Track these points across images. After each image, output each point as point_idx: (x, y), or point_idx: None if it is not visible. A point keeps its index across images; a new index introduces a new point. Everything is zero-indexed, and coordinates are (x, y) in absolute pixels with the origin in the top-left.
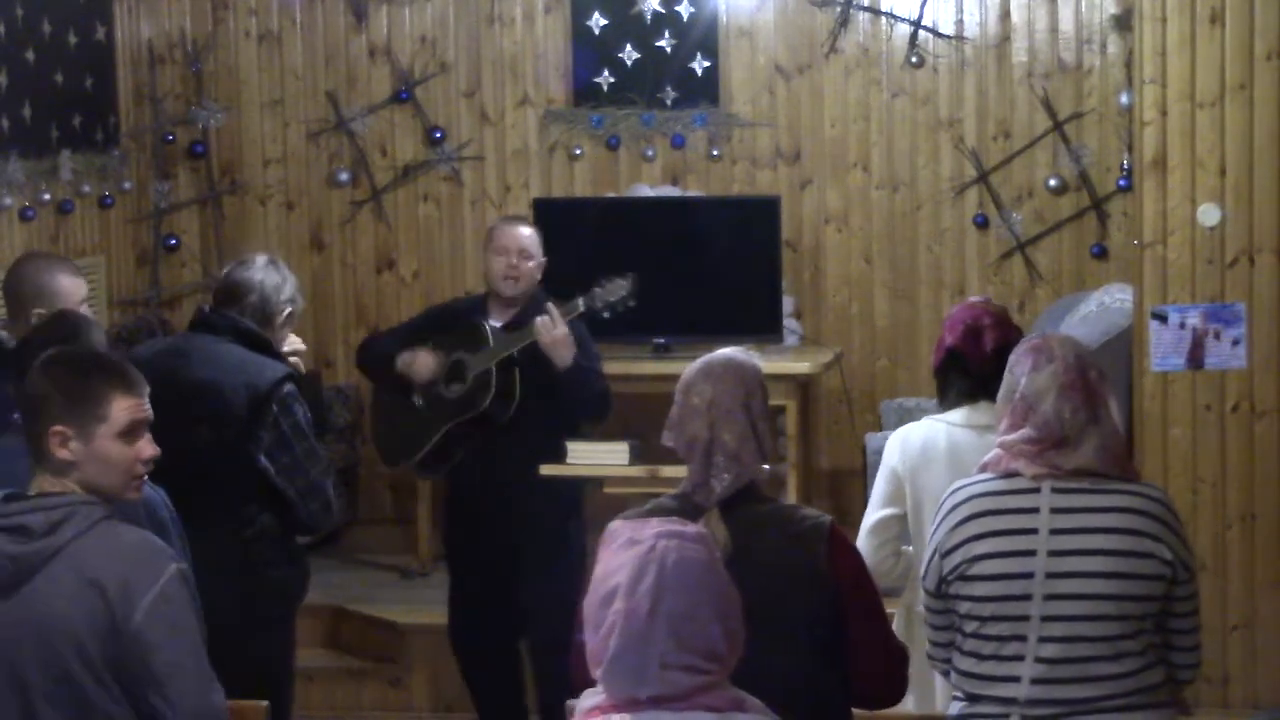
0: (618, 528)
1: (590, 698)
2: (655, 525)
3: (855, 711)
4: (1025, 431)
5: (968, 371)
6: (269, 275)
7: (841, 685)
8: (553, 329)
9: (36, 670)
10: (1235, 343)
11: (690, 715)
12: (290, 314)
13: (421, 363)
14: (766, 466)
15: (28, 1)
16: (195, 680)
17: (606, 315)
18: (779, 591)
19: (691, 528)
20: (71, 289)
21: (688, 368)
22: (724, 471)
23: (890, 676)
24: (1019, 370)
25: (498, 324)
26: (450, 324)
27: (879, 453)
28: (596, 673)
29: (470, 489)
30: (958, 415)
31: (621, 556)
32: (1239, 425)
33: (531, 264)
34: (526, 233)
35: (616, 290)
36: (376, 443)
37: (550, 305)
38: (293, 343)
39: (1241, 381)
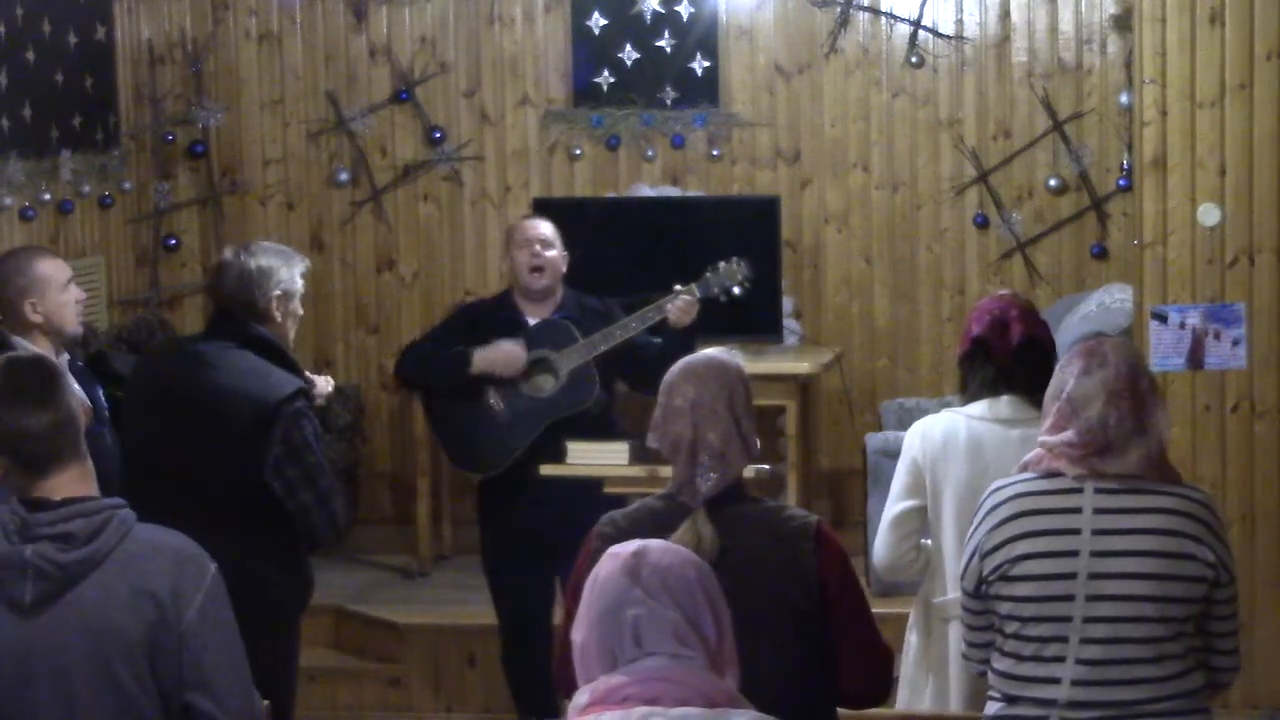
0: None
1: (583, 695)
2: (638, 542)
3: (840, 711)
4: (1068, 435)
5: (991, 362)
6: (228, 274)
7: (827, 685)
8: (694, 309)
9: (83, 676)
10: (1235, 343)
11: (680, 711)
12: (282, 295)
13: (509, 354)
14: (765, 466)
15: (28, 1)
16: (240, 678)
17: (723, 300)
18: (765, 591)
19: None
20: (54, 272)
21: (670, 369)
22: (710, 471)
23: (875, 676)
24: (1069, 371)
25: (534, 320)
26: (485, 323)
27: (879, 453)
28: (583, 670)
29: (542, 484)
30: (978, 408)
31: (605, 563)
32: (1239, 425)
33: (554, 253)
34: (544, 224)
35: (732, 275)
36: (454, 456)
37: (680, 287)
38: (321, 384)
39: (1241, 381)
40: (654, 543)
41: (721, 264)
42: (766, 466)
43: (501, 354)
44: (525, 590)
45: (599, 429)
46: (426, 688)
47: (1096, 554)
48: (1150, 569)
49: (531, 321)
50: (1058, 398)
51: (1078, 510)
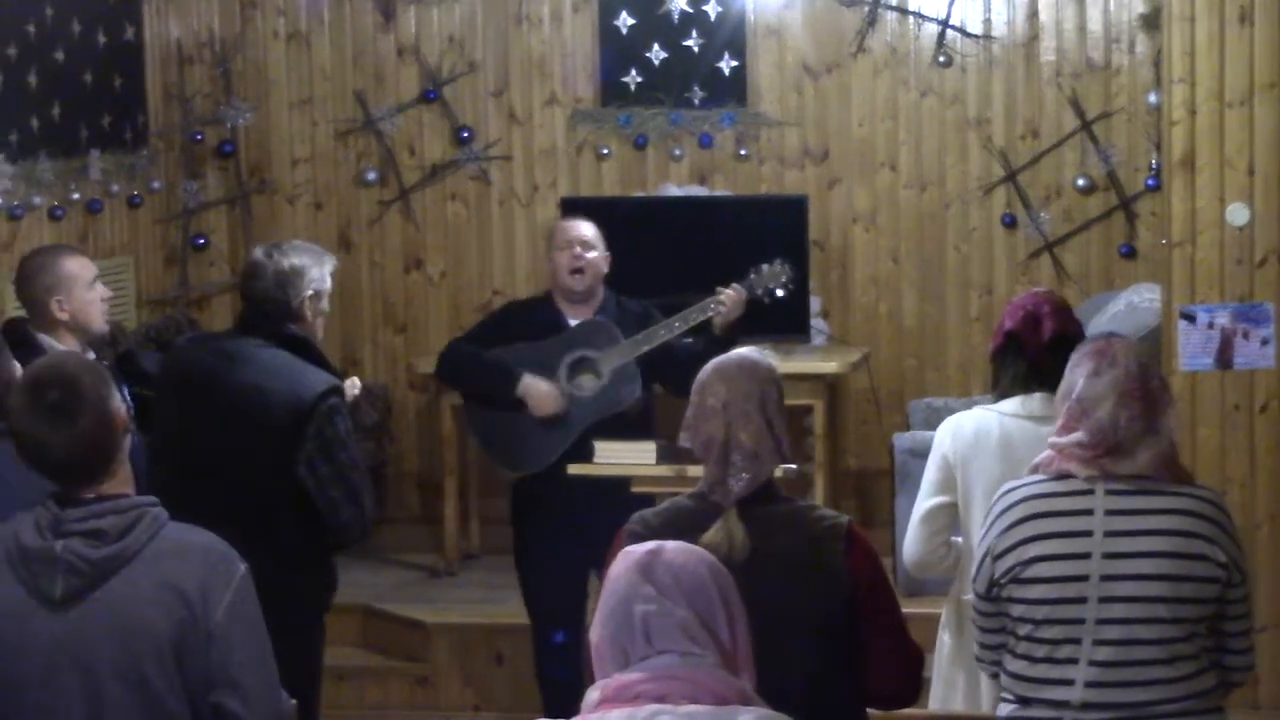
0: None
1: (594, 692)
2: (654, 542)
3: (870, 711)
4: (1078, 435)
5: (1024, 357)
6: (262, 273)
7: (856, 685)
8: (742, 306)
9: (110, 672)
10: (1264, 342)
11: (689, 709)
12: (314, 295)
13: (546, 400)
14: (794, 466)
15: (57, 2)
16: (268, 678)
17: (767, 301)
18: (795, 591)
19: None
20: (79, 270)
21: (703, 369)
22: (741, 471)
23: (906, 677)
24: (1079, 372)
25: (574, 321)
26: (526, 324)
27: (907, 452)
28: (598, 667)
29: (578, 483)
30: (1010, 405)
31: (620, 561)
32: (1268, 425)
33: (594, 255)
34: (585, 225)
35: (775, 277)
36: (498, 456)
37: (735, 285)
38: (349, 386)
39: (1270, 381)
40: (669, 543)
41: (765, 266)
42: (793, 466)
43: (540, 393)
44: (559, 590)
45: (637, 430)
46: (454, 686)
47: (1108, 556)
48: (1163, 570)
49: (572, 322)
50: (1068, 398)
51: (1089, 512)
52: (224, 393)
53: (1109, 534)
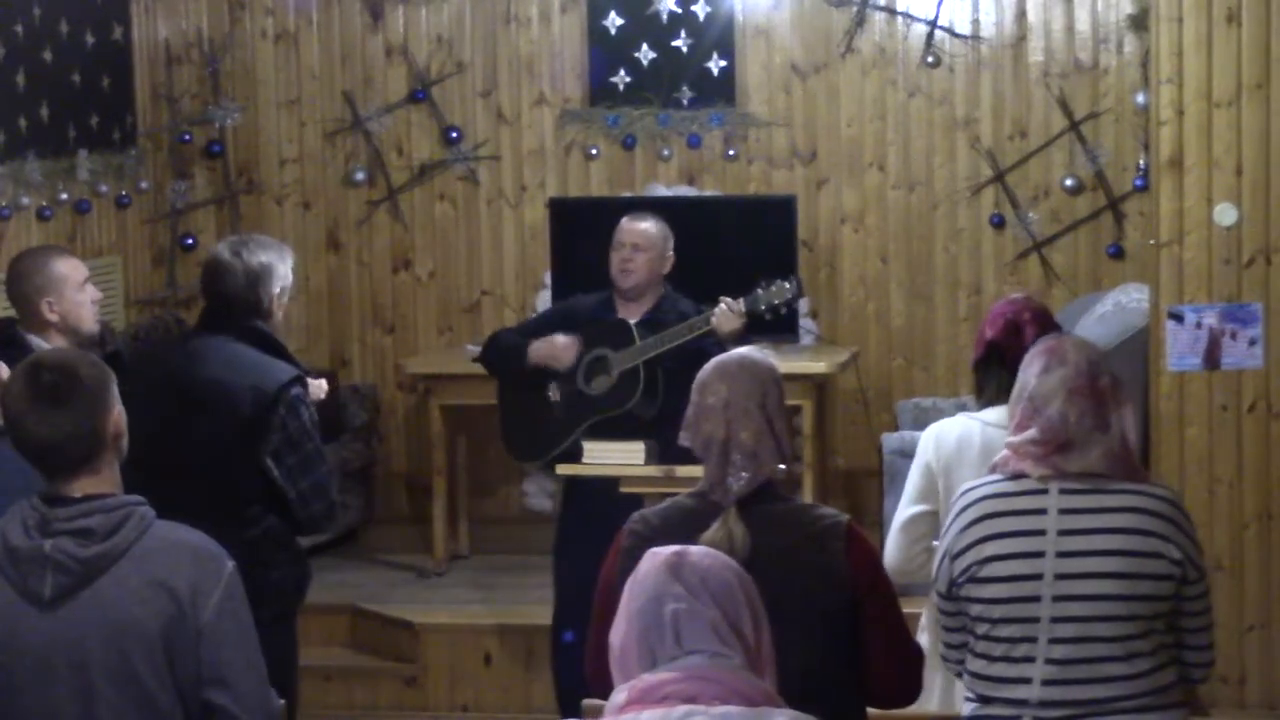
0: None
1: (620, 693)
2: (678, 546)
3: (870, 710)
4: (1030, 433)
5: (1006, 366)
6: (231, 273)
7: (857, 684)
8: (736, 319)
9: (102, 670)
10: (1252, 342)
11: (721, 710)
12: (280, 291)
13: (562, 347)
14: (783, 466)
15: (45, 1)
16: (258, 676)
17: (768, 318)
18: (796, 590)
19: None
20: (70, 271)
21: (703, 368)
22: (741, 470)
23: (905, 676)
24: (1030, 370)
25: (633, 321)
26: (577, 323)
27: (895, 452)
28: (621, 669)
29: (602, 486)
30: (993, 414)
31: (646, 561)
32: (1255, 425)
33: (645, 256)
34: (643, 226)
35: (782, 293)
36: (506, 441)
37: (727, 299)
38: (317, 388)
39: (1258, 381)
40: (694, 546)
41: (776, 282)
42: (781, 466)
43: (555, 348)
44: (586, 590)
45: (653, 434)
46: (442, 687)
47: (1062, 554)
48: (1116, 568)
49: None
50: (1021, 398)
51: (1043, 511)
52: (189, 389)
53: (1063, 533)
